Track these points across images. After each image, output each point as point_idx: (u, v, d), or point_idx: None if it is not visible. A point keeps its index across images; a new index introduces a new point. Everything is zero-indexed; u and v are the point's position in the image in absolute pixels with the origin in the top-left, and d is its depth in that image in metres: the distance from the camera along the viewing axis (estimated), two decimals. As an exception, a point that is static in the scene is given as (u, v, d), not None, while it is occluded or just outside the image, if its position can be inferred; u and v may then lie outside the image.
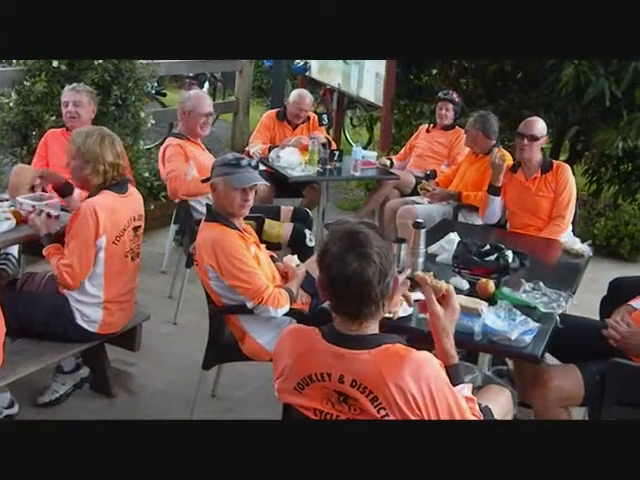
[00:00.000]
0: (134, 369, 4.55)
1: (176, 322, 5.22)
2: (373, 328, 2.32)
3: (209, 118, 5.38)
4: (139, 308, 4.66)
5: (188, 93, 5.66)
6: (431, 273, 2.86)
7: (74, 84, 5.24)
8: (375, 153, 6.80)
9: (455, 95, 6.80)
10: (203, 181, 4.05)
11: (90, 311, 3.88)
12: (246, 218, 4.00)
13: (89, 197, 3.87)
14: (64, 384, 4.18)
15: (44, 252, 3.86)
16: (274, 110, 6.99)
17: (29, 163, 5.40)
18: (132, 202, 4.02)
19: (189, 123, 5.32)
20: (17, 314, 3.66)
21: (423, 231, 3.86)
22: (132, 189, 4.07)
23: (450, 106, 6.73)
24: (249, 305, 3.65)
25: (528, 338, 3.16)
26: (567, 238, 4.89)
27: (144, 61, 6.93)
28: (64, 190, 4.35)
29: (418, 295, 2.90)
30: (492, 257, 3.84)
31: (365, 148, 7.23)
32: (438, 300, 2.55)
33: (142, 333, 4.32)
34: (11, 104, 6.26)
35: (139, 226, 4.07)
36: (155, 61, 7.98)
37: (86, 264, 3.77)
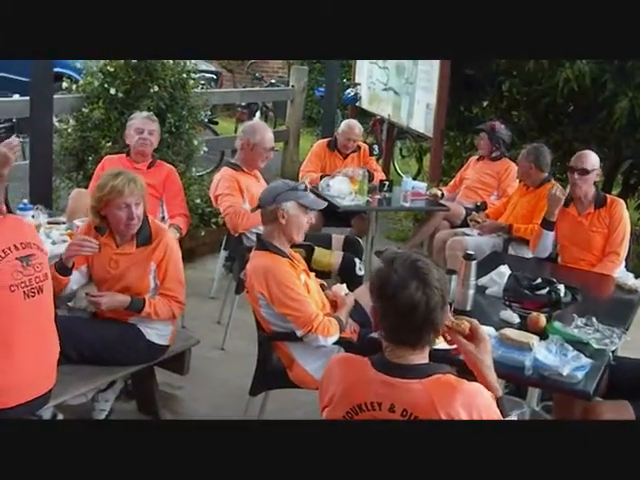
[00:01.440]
0: (181, 393, 4.59)
1: (224, 348, 5.25)
2: (424, 357, 2.32)
3: (271, 153, 5.43)
4: (188, 333, 4.72)
5: (252, 125, 5.64)
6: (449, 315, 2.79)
7: (147, 113, 5.38)
8: (425, 184, 6.80)
9: (496, 125, 6.76)
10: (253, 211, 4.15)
11: (163, 326, 4.00)
12: (296, 246, 4.03)
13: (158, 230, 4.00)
14: (107, 400, 4.22)
15: (148, 309, 3.86)
16: (325, 139, 7.05)
17: (85, 188, 5.52)
18: None
19: (250, 155, 5.33)
20: (71, 338, 3.73)
21: (474, 263, 3.84)
22: None
23: (484, 136, 6.72)
24: (299, 333, 3.67)
25: (580, 374, 3.12)
26: (620, 273, 4.83)
27: (198, 90, 7.05)
28: None
29: (443, 345, 2.86)
30: (544, 291, 3.81)
31: (414, 179, 7.23)
32: (466, 338, 2.52)
33: (190, 357, 4.36)
34: (69, 130, 6.42)
35: None
36: (209, 90, 8.13)
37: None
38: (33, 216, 4.41)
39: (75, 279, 3.94)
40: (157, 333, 3.98)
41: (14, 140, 4.23)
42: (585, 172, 4.95)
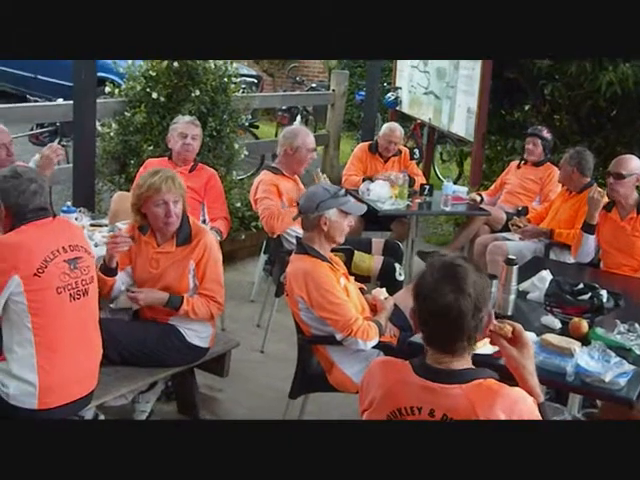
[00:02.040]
0: (221, 395, 4.62)
1: (263, 350, 5.27)
2: (465, 362, 2.30)
3: (313, 155, 5.45)
4: (228, 335, 4.75)
5: (293, 129, 5.69)
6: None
7: (190, 117, 5.45)
8: (466, 188, 6.77)
9: (545, 131, 6.72)
10: (295, 218, 4.16)
11: (202, 328, 4.02)
12: (336, 250, 4.04)
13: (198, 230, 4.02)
14: (148, 402, 4.27)
15: (186, 307, 3.88)
16: (366, 143, 7.06)
17: (127, 191, 5.57)
18: None
19: (292, 159, 5.37)
20: (112, 339, 3.77)
21: (515, 268, 3.81)
22: None
23: (538, 141, 6.65)
24: (338, 337, 3.68)
25: (623, 381, 3.09)
26: (664, 279, 4.76)
27: (239, 94, 7.09)
28: None
29: (486, 349, 2.83)
30: (586, 296, 3.77)
31: (455, 183, 7.20)
32: (509, 342, 2.48)
33: (231, 360, 4.38)
34: (111, 134, 6.49)
35: None
36: (250, 94, 8.18)
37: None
38: (76, 218, 4.47)
39: (121, 279, 3.98)
40: (197, 335, 4.00)
41: (57, 145, 4.32)
42: (620, 176, 4.89)
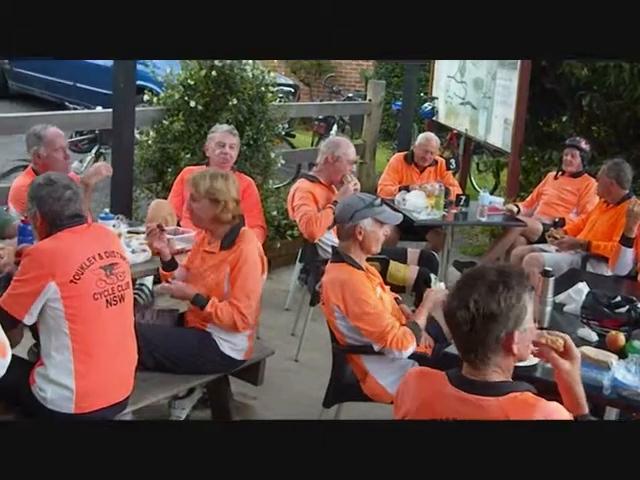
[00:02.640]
0: (255, 403, 4.63)
1: (298, 359, 5.28)
2: (500, 375, 2.28)
3: (352, 166, 5.47)
4: (263, 344, 4.76)
5: (335, 139, 5.73)
6: (544, 331, 2.71)
7: (228, 126, 5.50)
8: (502, 199, 6.74)
9: (583, 142, 6.67)
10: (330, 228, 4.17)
11: (238, 340, 4.01)
12: (372, 259, 4.04)
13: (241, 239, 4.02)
14: (184, 408, 4.30)
15: (209, 309, 3.88)
16: (402, 153, 7.06)
17: (164, 198, 5.63)
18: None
19: (332, 168, 5.39)
20: (152, 346, 3.81)
21: (551, 280, 3.79)
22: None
23: (576, 153, 6.60)
24: (376, 348, 3.68)
25: (660, 394, 3.06)
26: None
27: (276, 103, 7.13)
28: None
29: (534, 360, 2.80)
30: (623, 309, 3.74)
31: (491, 194, 7.17)
32: (560, 354, 2.45)
33: (265, 368, 4.39)
34: (149, 142, 6.56)
35: None
36: (287, 103, 8.21)
37: (257, 299, 4.00)
38: (114, 225, 4.51)
39: (180, 275, 4.10)
40: (231, 346, 4.00)
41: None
42: None
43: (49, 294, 3.22)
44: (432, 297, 3.98)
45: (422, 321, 3.85)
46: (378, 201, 3.93)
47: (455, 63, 9.14)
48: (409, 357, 3.71)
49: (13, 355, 3.19)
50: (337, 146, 5.41)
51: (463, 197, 6.40)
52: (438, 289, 4.11)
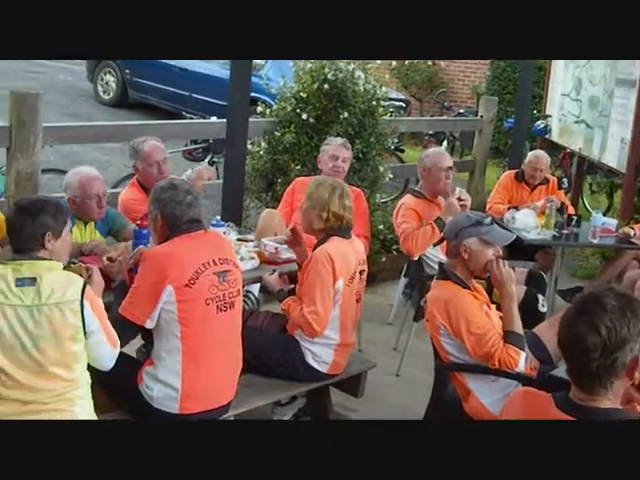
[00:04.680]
0: (355, 415, 4.64)
1: (399, 374, 5.27)
2: (611, 402, 2.22)
3: (449, 172, 5.41)
4: (364, 357, 4.76)
5: (427, 151, 5.74)
6: None
7: (342, 140, 5.55)
8: (615, 221, 6.55)
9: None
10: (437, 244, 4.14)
11: (322, 352, 4.02)
12: (478, 277, 3.99)
13: (319, 244, 4.04)
14: (285, 415, 4.34)
15: (282, 306, 4.02)
16: (513, 171, 6.96)
17: (273, 208, 5.72)
18: (356, 246, 4.15)
19: (428, 180, 5.38)
20: (248, 349, 3.86)
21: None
22: (353, 235, 4.20)
23: None
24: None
25: None
26: None
27: (386, 117, 7.14)
28: None
29: None
30: None
31: (604, 215, 6.98)
32: None
33: (366, 381, 4.40)
34: (261, 152, 6.68)
35: (364, 270, 4.19)
36: (397, 118, 8.21)
37: (329, 309, 3.93)
38: (224, 232, 4.61)
39: None
40: (313, 357, 4.02)
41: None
42: None
43: (165, 297, 3.31)
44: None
45: (518, 325, 3.74)
46: (488, 220, 3.85)
47: (570, 81, 8.97)
48: (513, 378, 3.64)
49: (123, 353, 3.32)
50: (426, 157, 5.44)
51: (575, 217, 6.25)
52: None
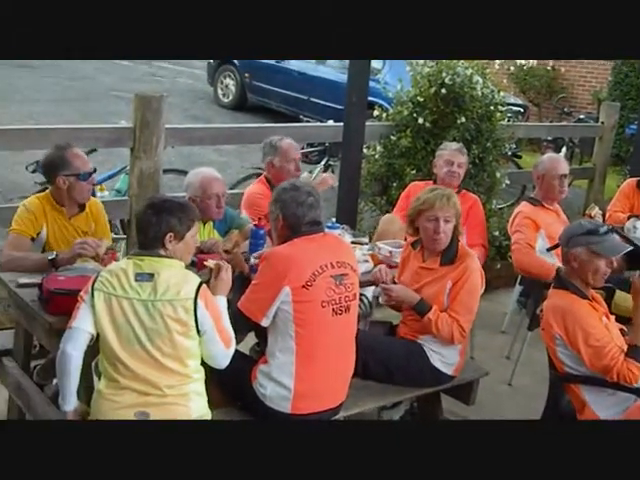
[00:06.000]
0: (465, 423, 4.59)
1: (511, 383, 5.19)
2: None
3: (564, 180, 5.30)
4: (476, 364, 4.71)
5: (542, 157, 5.65)
6: None
7: (458, 145, 5.53)
8: None
9: None
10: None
11: (450, 353, 4.02)
12: (596, 287, 3.90)
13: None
14: (391, 418, 4.33)
15: (431, 316, 3.89)
16: (635, 179, 6.72)
17: (386, 212, 5.73)
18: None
19: (544, 187, 5.29)
20: (370, 353, 3.88)
21: None
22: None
23: None
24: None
25: None
26: None
27: (504, 122, 7.05)
28: None
29: None
30: None
31: None
32: None
33: (478, 389, 4.35)
34: (376, 156, 6.70)
35: None
36: (515, 123, 8.10)
37: (474, 316, 3.99)
38: (339, 235, 4.64)
39: None
40: (441, 360, 4.00)
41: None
42: None
43: (282, 297, 3.36)
44: None
45: None
46: (603, 229, 3.73)
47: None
48: (632, 392, 3.53)
49: (238, 351, 3.40)
50: (541, 163, 5.36)
51: (702, 228, 6.00)
52: None
